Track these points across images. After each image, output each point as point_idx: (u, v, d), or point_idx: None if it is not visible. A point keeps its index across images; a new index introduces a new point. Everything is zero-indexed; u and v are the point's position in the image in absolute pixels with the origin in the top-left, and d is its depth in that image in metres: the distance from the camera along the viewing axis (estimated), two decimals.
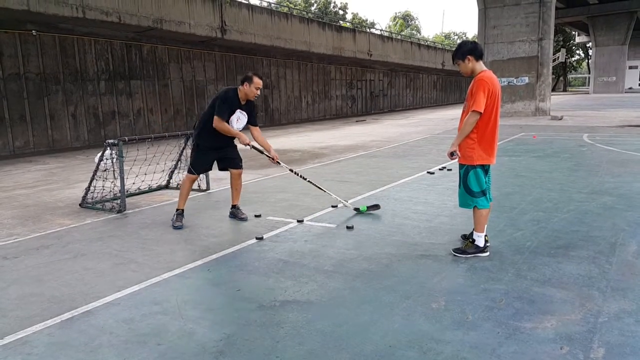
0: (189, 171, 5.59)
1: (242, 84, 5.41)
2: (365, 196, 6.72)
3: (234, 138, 5.49)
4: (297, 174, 5.78)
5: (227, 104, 5.35)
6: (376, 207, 5.86)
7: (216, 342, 2.89)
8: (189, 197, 5.84)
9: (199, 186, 7.38)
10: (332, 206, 6.14)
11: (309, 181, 5.71)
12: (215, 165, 5.78)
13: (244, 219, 5.71)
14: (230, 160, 5.68)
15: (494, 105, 4.02)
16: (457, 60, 4.18)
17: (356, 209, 5.82)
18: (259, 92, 5.42)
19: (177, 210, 5.60)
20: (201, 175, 6.46)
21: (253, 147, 5.47)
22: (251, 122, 5.61)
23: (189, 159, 5.80)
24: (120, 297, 3.59)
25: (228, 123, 5.34)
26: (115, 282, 3.87)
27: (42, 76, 13.69)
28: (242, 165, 5.76)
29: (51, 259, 4.52)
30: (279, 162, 5.56)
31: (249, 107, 5.56)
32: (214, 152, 5.57)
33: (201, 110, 19.05)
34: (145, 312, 3.33)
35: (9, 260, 4.53)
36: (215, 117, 5.29)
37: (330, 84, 27.67)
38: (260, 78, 5.43)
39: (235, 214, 5.82)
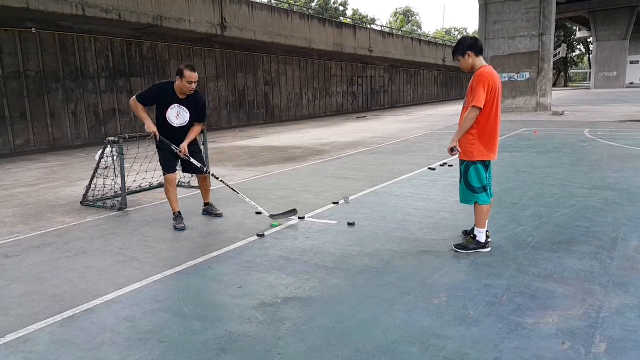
0: (164, 173, 5.43)
1: (175, 78, 5.16)
2: (366, 192, 6.72)
3: (196, 140, 5.53)
4: (212, 175, 5.65)
5: (152, 95, 5.25)
6: (292, 212, 5.50)
7: (218, 340, 2.89)
8: (189, 194, 5.82)
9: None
10: (333, 203, 6.14)
11: (221, 181, 5.63)
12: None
13: (219, 215, 5.74)
14: (193, 165, 5.50)
15: (494, 101, 4.01)
16: (457, 56, 4.17)
17: (272, 216, 5.43)
18: (193, 85, 5.12)
19: (174, 214, 5.44)
20: None
21: (161, 139, 5.29)
22: (196, 118, 5.38)
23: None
24: (121, 294, 3.60)
25: (161, 116, 5.23)
26: (117, 280, 3.88)
27: (42, 74, 13.68)
28: (206, 170, 5.62)
29: (52, 257, 4.52)
30: (187, 157, 5.34)
31: (192, 103, 5.30)
32: (175, 152, 5.36)
33: None
34: (146, 309, 3.33)
35: (10, 258, 4.54)
36: (132, 98, 5.25)
37: (331, 80, 27.63)
38: (194, 71, 5.09)
39: (210, 210, 5.84)
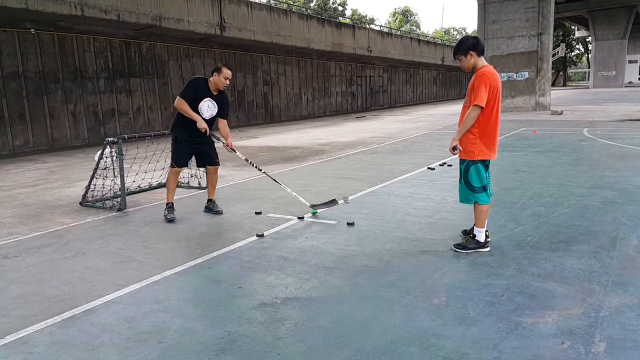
0: (171, 165, 5.76)
1: (212, 74, 5.61)
2: (365, 192, 6.72)
3: (209, 137, 5.78)
4: (253, 165, 6.13)
5: (192, 89, 5.58)
6: (332, 202, 5.88)
7: (217, 340, 2.88)
8: (188, 194, 5.88)
9: (199, 183, 7.38)
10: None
11: (264, 172, 6.14)
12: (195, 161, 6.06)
13: (219, 212, 5.88)
14: (207, 157, 5.87)
15: (495, 100, 4.02)
16: (459, 56, 4.16)
17: (313, 206, 5.77)
18: (227, 82, 5.61)
19: (167, 204, 5.76)
20: (201, 173, 6.49)
21: (211, 134, 5.71)
22: (221, 114, 5.80)
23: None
24: (121, 295, 3.59)
25: (193, 108, 5.55)
26: (116, 281, 3.87)
27: (41, 75, 13.67)
28: (218, 162, 5.96)
29: (52, 257, 4.52)
30: (234, 150, 5.81)
31: (221, 99, 5.73)
32: (191, 145, 5.73)
33: None
34: (146, 310, 3.33)
35: (9, 259, 4.53)
36: (177, 98, 5.56)
37: (330, 80, 27.63)
38: (230, 69, 5.61)
39: (211, 207, 5.99)
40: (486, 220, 4.22)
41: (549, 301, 3.22)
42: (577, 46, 76.45)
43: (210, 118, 5.70)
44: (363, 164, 9.35)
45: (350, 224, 5.16)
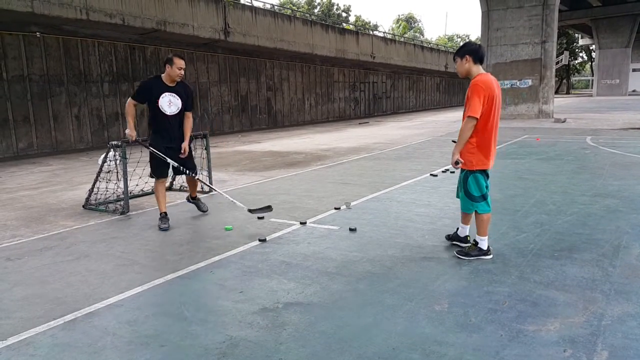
0: (155, 177, 5.74)
1: (165, 67, 5.48)
2: (368, 198, 6.72)
3: (182, 139, 5.70)
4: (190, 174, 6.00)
5: (143, 89, 5.54)
6: (268, 208, 5.72)
7: (219, 344, 2.89)
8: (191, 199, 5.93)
9: (202, 188, 7.39)
10: (335, 208, 6.14)
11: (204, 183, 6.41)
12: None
13: (204, 211, 6.00)
14: (185, 165, 5.80)
15: (491, 110, 3.99)
16: (456, 57, 4.22)
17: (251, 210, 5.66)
18: (182, 71, 5.47)
19: (161, 214, 5.66)
20: (204, 178, 6.54)
21: (138, 142, 5.76)
22: (186, 107, 5.66)
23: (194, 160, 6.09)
24: (123, 298, 3.60)
25: (152, 107, 5.53)
26: (119, 284, 3.88)
27: (45, 78, 13.74)
28: (190, 173, 5.84)
29: (54, 260, 4.53)
30: (182, 158, 5.69)
31: (183, 91, 5.62)
32: (168, 152, 5.62)
33: (204, 111, 19.09)
34: (148, 313, 3.34)
35: (12, 261, 4.55)
36: (128, 100, 5.62)
37: (333, 86, 27.70)
38: (182, 58, 5.49)
39: (199, 206, 6.15)
40: (487, 228, 4.21)
41: (551, 309, 3.21)
42: (581, 54, 76.59)
43: (178, 113, 5.58)
44: (365, 170, 9.36)
45: (352, 230, 5.17)
